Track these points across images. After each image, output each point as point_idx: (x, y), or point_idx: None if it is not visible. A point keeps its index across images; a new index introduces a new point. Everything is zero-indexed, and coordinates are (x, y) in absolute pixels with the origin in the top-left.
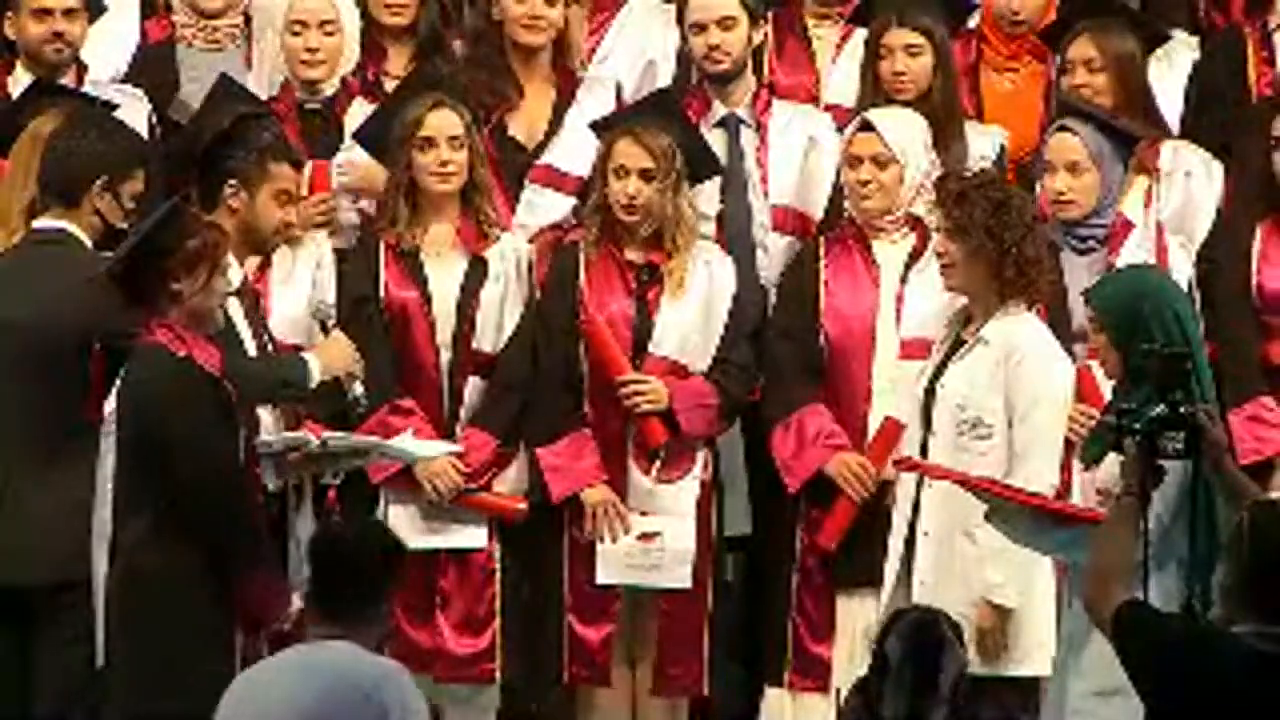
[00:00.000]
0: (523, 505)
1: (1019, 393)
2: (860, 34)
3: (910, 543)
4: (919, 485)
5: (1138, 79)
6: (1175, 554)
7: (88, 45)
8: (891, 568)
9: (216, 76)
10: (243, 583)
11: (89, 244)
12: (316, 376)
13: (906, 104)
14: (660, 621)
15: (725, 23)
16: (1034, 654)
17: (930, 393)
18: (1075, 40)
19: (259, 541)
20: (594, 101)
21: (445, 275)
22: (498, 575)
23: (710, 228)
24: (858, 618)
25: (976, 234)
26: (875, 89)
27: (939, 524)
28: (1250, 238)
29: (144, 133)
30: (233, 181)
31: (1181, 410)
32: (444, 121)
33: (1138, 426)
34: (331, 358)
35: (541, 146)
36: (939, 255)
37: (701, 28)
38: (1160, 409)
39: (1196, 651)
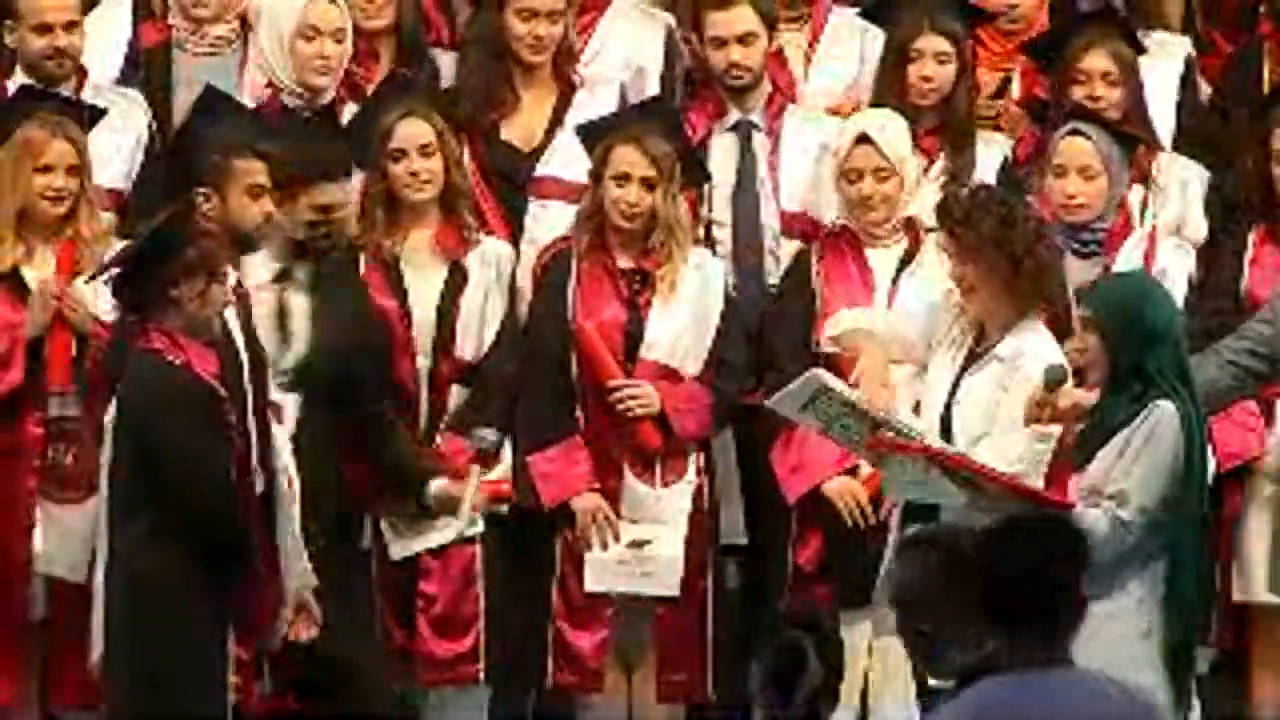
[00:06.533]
0: (507, 486)
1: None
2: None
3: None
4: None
5: (1141, 90)
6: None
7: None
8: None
9: (204, 87)
10: (236, 591)
11: None
12: None
13: (928, 109)
14: (657, 628)
15: (746, 39)
16: None
17: (948, 408)
18: (1088, 52)
19: (249, 550)
20: (597, 106)
21: (425, 283)
22: (480, 576)
23: (726, 233)
24: (853, 634)
25: (988, 251)
26: (897, 91)
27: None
28: (1243, 244)
29: (144, 136)
30: (201, 187)
31: None
32: (412, 131)
33: None
34: None
35: (538, 152)
36: (957, 282)
37: (722, 43)
38: None
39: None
